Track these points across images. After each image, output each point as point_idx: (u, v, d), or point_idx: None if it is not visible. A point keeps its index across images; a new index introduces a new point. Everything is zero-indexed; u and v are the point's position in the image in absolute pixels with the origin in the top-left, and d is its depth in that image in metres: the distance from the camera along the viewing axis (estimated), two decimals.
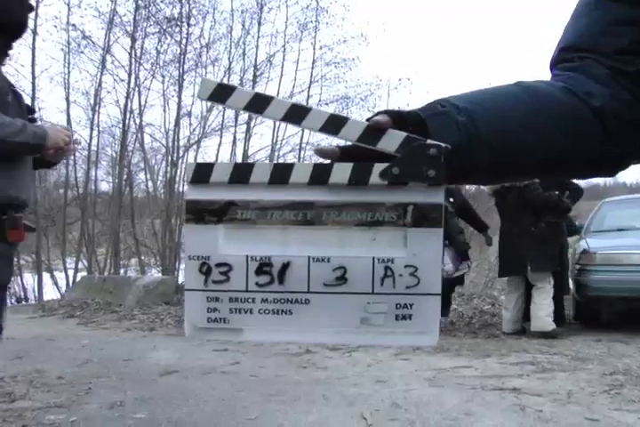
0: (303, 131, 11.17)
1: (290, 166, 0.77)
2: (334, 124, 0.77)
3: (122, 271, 10.68)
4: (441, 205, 0.75)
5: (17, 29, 2.38)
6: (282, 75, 11.00)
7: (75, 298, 8.03)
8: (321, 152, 0.78)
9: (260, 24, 10.77)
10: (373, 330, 0.76)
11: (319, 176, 0.76)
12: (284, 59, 11.03)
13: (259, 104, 0.79)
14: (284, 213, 0.77)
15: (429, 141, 0.74)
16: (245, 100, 0.79)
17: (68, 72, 10.11)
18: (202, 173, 0.77)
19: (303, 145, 11.22)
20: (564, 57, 0.90)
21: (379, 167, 0.74)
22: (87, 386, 3.70)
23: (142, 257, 10.73)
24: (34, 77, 9.67)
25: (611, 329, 5.60)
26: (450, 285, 5.96)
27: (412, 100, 11.82)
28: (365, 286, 0.76)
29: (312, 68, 11.17)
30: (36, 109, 9.98)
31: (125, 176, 10.56)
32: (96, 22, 10.08)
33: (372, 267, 0.76)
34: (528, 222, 5.54)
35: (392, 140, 0.75)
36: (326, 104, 11.36)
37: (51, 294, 10.19)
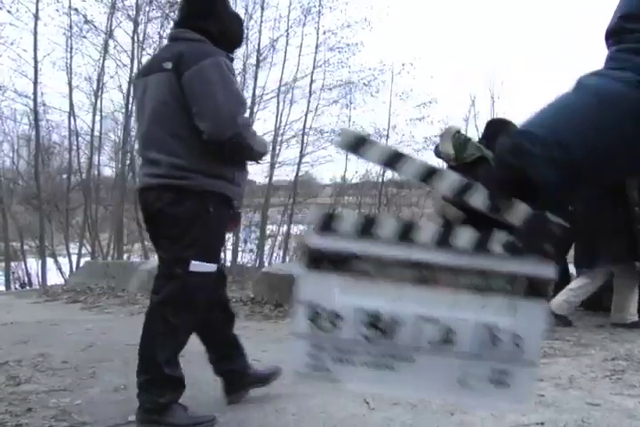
0: (306, 116, 11.15)
1: (416, 225, 0.78)
2: (464, 189, 0.78)
3: (125, 256, 10.71)
4: (551, 280, 0.77)
5: (240, 44, 3.04)
6: (285, 59, 10.98)
7: (78, 283, 8.06)
8: (449, 215, 0.79)
9: (263, 9, 10.75)
10: (471, 393, 0.77)
11: (442, 238, 0.77)
12: (287, 43, 11.02)
13: (395, 161, 0.79)
14: (402, 269, 0.77)
15: (552, 218, 0.76)
16: (383, 156, 0.79)
17: (71, 57, 10.12)
18: (327, 222, 0.77)
19: (306, 130, 11.18)
20: (626, 27, 0.83)
21: (498, 236, 0.76)
22: (91, 370, 3.72)
23: (145, 242, 10.74)
24: (36, 62, 9.67)
25: None
26: None
27: (415, 84, 11.73)
28: (469, 349, 0.77)
29: (315, 52, 11.15)
30: (39, 94, 9.98)
31: (128, 161, 10.55)
32: (98, 7, 10.06)
33: (478, 332, 0.77)
34: (606, 207, 5.01)
35: (517, 214, 0.76)
36: (329, 89, 11.31)
37: (54, 279, 10.23)
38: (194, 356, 4.10)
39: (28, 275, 10.76)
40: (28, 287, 10.25)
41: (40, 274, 10.22)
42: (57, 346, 4.45)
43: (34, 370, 3.72)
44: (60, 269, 10.40)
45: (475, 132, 15.56)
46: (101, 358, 4.03)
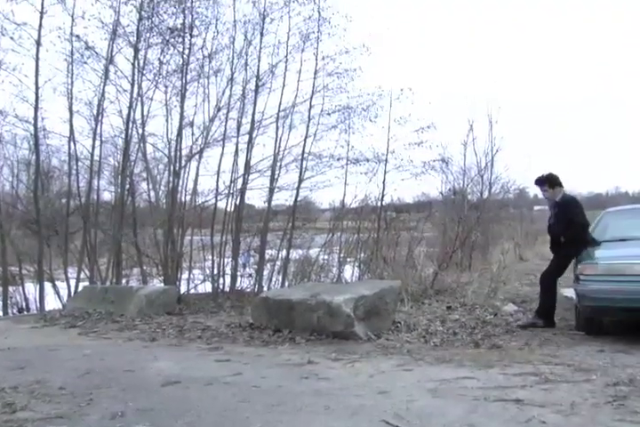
0: (305, 141, 11.19)
1: None
2: None
3: (124, 281, 10.66)
4: None
5: None
6: (284, 85, 11.00)
7: (76, 308, 8.01)
8: None
9: (262, 35, 10.78)
10: None
11: None
12: (286, 69, 11.04)
13: None
14: None
15: None
16: None
17: (72, 82, 10.13)
18: None
19: (305, 155, 11.20)
20: None
21: None
22: (88, 397, 3.69)
23: (144, 267, 10.70)
24: (37, 88, 9.69)
25: (614, 339, 5.58)
26: None
27: (413, 110, 11.76)
28: None
29: (314, 78, 11.16)
30: (40, 119, 10.02)
31: (128, 186, 10.56)
32: (99, 33, 10.09)
33: None
34: None
35: None
36: (328, 114, 11.35)
37: (52, 303, 10.17)
38: (192, 382, 4.08)
39: (26, 300, 10.70)
40: (25, 312, 10.19)
41: (38, 299, 10.16)
42: (54, 372, 4.42)
43: (30, 397, 3.69)
44: (58, 293, 10.33)
45: (473, 157, 15.67)
46: (99, 385, 4.00)
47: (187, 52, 10.34)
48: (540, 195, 7.24)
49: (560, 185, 6.78)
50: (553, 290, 6.71)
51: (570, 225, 6.54)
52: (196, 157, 10.53)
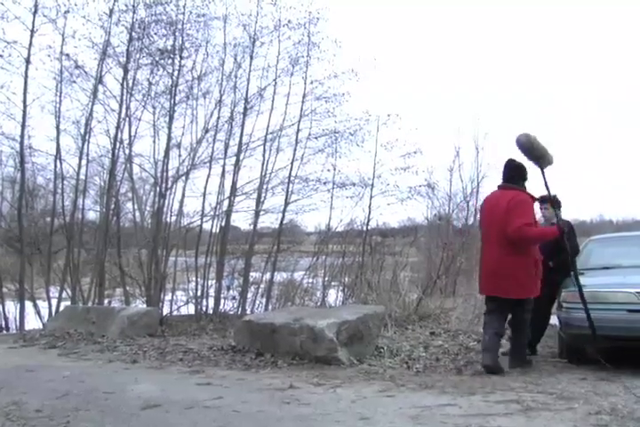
0: (292, 164, 11.21)
1: None
2: None
3: (106, 302, 10.57)
4: None
5: None
6: (272, 108, 11.05)
7: (57, 328, 7.93)
8: None
9: (251, 58, 10.86)
10: None
11: None
12: (274, 92, 11.10)
13: None
14: None
15: None
16: None
17: (60, 101, 10.13)
18: None
19: (292, 178, 11.23)
20: None
21: None
22: (66, 420, 3.63)
23: (127, 287, 10.62)
24: (25, 105, 9.68)
25: (596, 367, 5.58)
26: None
27: (400, 135, 11.83)
28: None
29: (302, 102, 11.24)
30: (26, 137, 9.98)
31: (113, 206, 10.52)
32: (89, 53, 10.13)
33: None
34: None
35: None
36: (315, 138, 11.41)
37: (33, 323, 10.05)
38: (172, 406, 4.03)
39: (6, 319, 10.56)
40: (4, 332, 10.06)
41: (18, 318, 10.04)
42: (32, 393, 4.36)
43: (5, 419, 3.62)
44: (38, 313, 10.21)
45: (459, 183, 15.78)
46: (77, 407, 3.95)
47: (176, 73, 10.38)
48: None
49: (559, 208, 6.78)
50: (545, 320, 6.69)
51: (562, 250, 6.52)
52: (183, 178, 10.53)
